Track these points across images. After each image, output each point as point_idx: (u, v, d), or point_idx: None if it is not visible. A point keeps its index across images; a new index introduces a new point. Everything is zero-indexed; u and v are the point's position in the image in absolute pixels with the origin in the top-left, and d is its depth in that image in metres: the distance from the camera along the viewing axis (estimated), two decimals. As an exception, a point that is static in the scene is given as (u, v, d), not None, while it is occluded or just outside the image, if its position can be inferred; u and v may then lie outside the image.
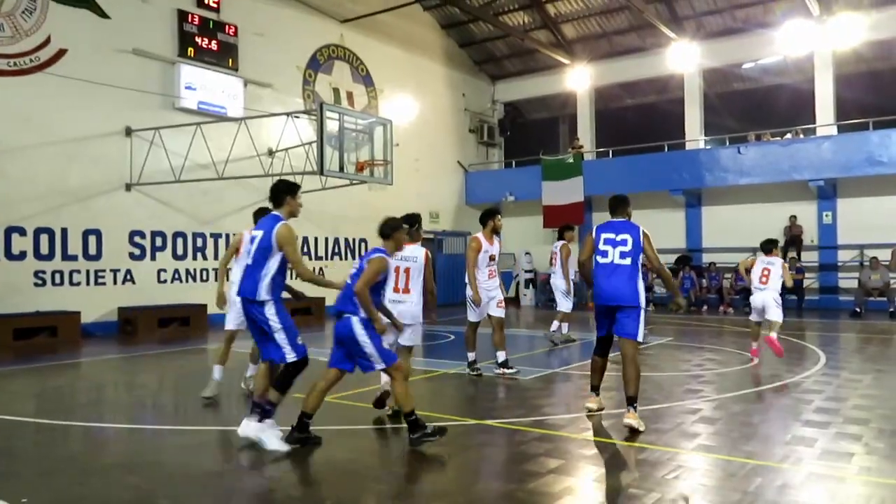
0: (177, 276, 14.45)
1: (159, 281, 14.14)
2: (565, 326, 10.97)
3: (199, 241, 14.93)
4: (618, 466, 4.68)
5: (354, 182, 14.67)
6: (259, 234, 5.16)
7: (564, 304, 10.83)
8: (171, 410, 7.18)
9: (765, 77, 20.02)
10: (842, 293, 17.25)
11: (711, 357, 9.55)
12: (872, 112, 16.96)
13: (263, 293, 5.05)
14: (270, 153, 15.43)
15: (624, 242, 5.77)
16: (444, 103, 22.28)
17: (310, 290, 6.57)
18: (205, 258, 14.99)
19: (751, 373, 8.31)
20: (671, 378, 7.99)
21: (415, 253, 6.37)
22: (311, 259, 17.43)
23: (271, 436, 4.95)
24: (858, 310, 15.34)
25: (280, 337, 5.04)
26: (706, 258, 18.86)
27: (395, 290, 6.27)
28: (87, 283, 13.04)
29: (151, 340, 12.22)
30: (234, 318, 6.89)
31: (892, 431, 5.46)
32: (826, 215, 17.78)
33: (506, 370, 8.11)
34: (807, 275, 17.21)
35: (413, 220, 6.49)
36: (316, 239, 17.62)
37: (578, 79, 22.08)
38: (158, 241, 14.19)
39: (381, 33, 19.44)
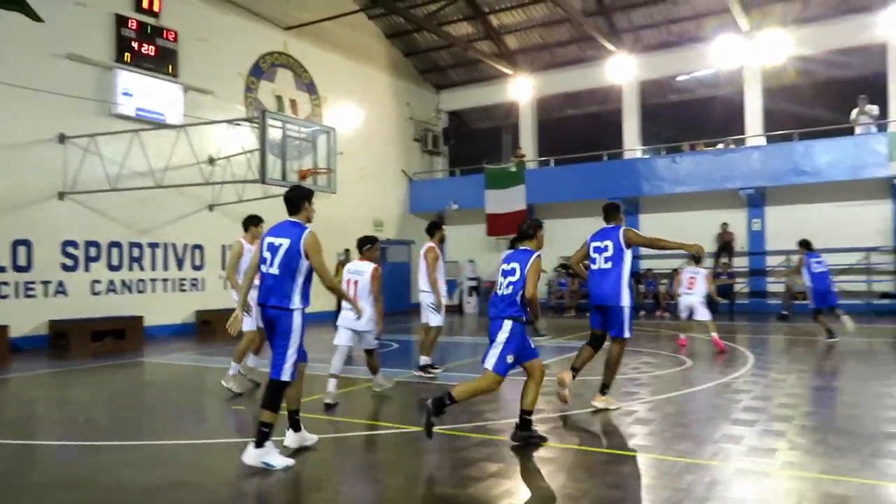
0: (112, 287, 14.04)
1: (93, 293, 13.71)
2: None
3: (136, 252, 14.54)
4: (556, 469, 4.80)
5: (297, 190, 14.54)
6: (284, 242, 5.03)
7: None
8: (105, 426, 6.99)
9: (698, 89, 20.79)
10: (770, 297, 17.99)
11: (647, 360, 9.85)
12: (798, 124, 17.83)
13: (296, 302, 4.97)
14: (211, 161, 15.19)
15: (606, 248, 6.51)
16: (388, 112, 22.33)
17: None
18: (142, 269, 14.61)
19: (684, 375, 8.61)
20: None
21: (361, 268, 7.25)
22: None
23: (275, 456, 4.84)
24: (785, 312, 16.02)
25: (290, 352, 4.93)
26: (643, 265, 19.41)
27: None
28: (16, 296, 12.54)
29: (84, 354, 11.83)
30: (250, 320, 7.57)
31: (814, 428, 5.76)
32: (755, 222, 18.55)
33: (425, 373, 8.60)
34: (737, 279, 17.90)
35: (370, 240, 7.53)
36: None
37: (521, 89, 22.48)
38: (93, 252, 13.77)
39: (325, 41, 19.38)
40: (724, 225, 18.43)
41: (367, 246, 7.39)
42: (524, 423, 5.37)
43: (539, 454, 5.13)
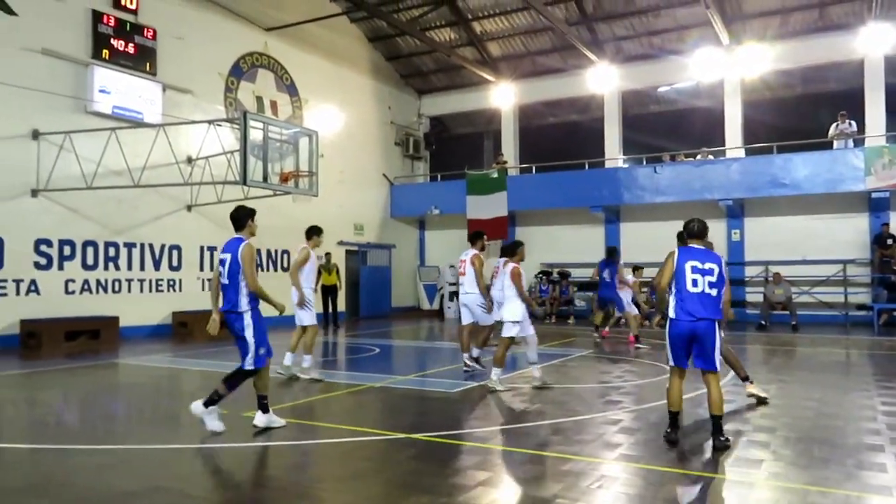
0: (86, 286, 13.75)
1: (67, 292, 13.41)
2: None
3: (112, 251, 14.27)
4: (544, 477, 4.73)
5: (278, 193, 14.40)
6: (228, 256, 5.91)
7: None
8: (78, 429, 6.79)
9: (679, 100, 20.99)
10: (749, 307, 18.17)
11: (630, 369, 9.85)
12: (777, 137, 18.05)
13: (243, 305, 5.85)
14: (190, 161, 14.96)
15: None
16: (369, 115, 22.23)
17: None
18: (117, 268, 14.33)
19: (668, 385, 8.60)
20: (592, 389, 8.19)
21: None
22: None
23: (214, 418, 5.86)
24: (764, 322, 16.18)
25: (247, 345, 5.83)
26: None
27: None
28: (-13, 295, 12.23)
29: (57, 354, 11.56)
30: (311, 314, 8.83)
31: (797, 439, 5.76)
32: (734, 233, 18.74)
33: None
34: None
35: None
36: (236, 250, 17.13)
37: (503, 96, 22.54)
38: (67, 250, 13.47)
39: (306, 43, 19.25)
40: (704, 235, 18.56)
41: (518, 248, 8.59)
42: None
43: (528, 463, 5.06)
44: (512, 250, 8.55)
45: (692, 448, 5.50)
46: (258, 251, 17.24)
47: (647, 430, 6.07)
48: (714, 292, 5.49)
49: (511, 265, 8.32)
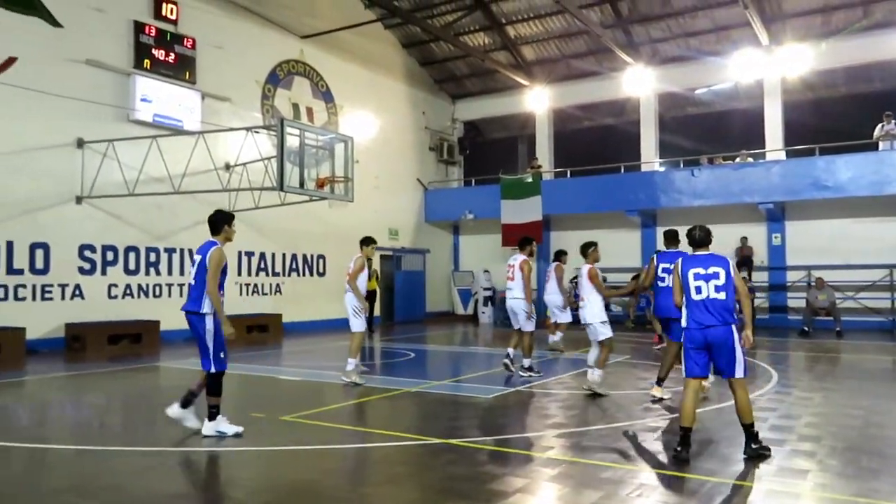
0: (128, 291, 14.06)
1: (110, 296, 13.73)
2: (558, 335, 12.44)
3: (153, 256, 14.56)
4: (582, 485, 4.68)
5: (314, 198, 14.54)
6: (198, 257, 5.95)
7: (563, 317, 12.34)
8: (122, 431, 6.94)
9: (717, 102, 20.65)
10: (790, 312, 17.75)
11: (669, 375, 9.67)
12: (819, 138, 17.62)
13: (206, 306, 5.86)
14: (228, 167, 15.21)
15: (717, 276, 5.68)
16: (404, 121, 22.34)
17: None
18: (158, 273, 14.63)
19: (706, 391, 8.44)
20: (629, 396, 8.07)
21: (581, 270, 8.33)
22: (267, 275, 17.18)
23: (224, 425, 5.97)
24: (806, 329, 15.80)
25: (213, 348, 5.87)
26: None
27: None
28: (33, 298, 12.57)
29: (101, 357, 11.82)
30: (361, 321, 9.06)
31: (844, 449, 5.60)
32: (775, 237, 18.33)
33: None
34: (757, 294, 17.67)
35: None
36: (273, 255, 17.39)
37: (537, 100, 22.44)
38: (110, 256, 13.80)
39: (341, 50, 19.43)
40: (744, 239, 18.22)
41: (590, 248, 8.37)
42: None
43: (565, 470, 5.01)
44: (585, 251, 8.46)
45: (733, 456, 5.38)
46: (271, 256, 17.54)
47: (687, 437, 5.94)
48: (722, 296, 5.39)
49: (587, 267, 8.22)
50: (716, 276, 5.46)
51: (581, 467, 5.10)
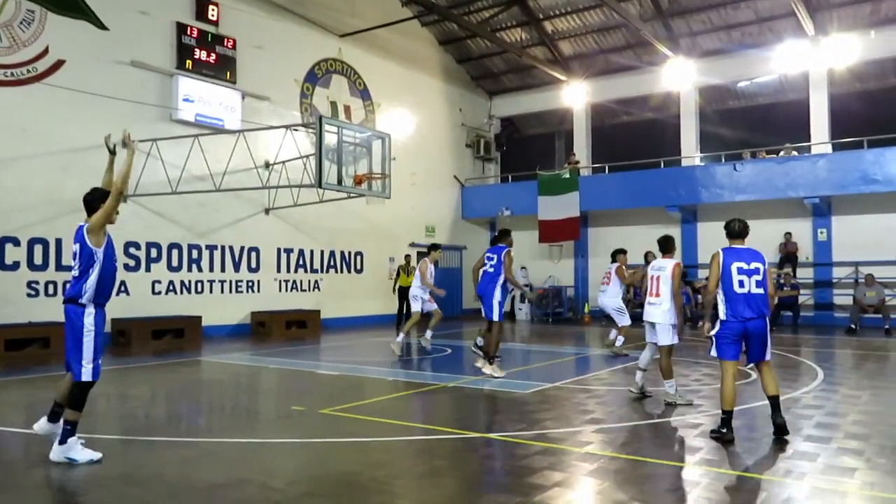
0: (171, 287, 14.37)
1: (153, 292, 14.05)
2: (620, 339, 11.77)
3: (195, 253, 14.86)
4: (621, 480, 4.63)
5: (352, 195, 14.65)
6: (76, 246, 5.35)
7: (623, 320, 11.79)
8: (166, 422, 7.10)
9: (760, 95, 20.21)
10: (837, 310, 17.29)
11: (708, 372, 9.51)
12: (867, 130, 17.10)
13: (86, 300, 5.19)
14: (267, 166, 15.43)
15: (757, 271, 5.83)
16: (441, 118, 22.37)
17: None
18: (200, 270, 14.92)
19: (749, 388, 8.27)
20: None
21: (663, 264, 7.49)
22: (306, 272, 17.38)
23: (78, 450, 4.99)
24: (854, 326, 15.37)
25: (87, 352, 5.06)
26: (702, 274, 18.87)
27: (650, 294, 7.47)
28: (82, 294, 12.92)
29: (145, 352, 12.11)
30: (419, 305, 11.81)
31: (894, 448, 5.43)
32: (821, 232, 17.86)
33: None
34: (802, 291, 17.26)
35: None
36: (312, 252, 17.58)
37: (575, 95, 22.25)
38: (153, 253, 14.12)
39: (378, 48, 19.53)
40: (788, 235, 17.80)
41: (669, 243, 7.99)
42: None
43: (604, 465, 4.96)
44: (666, 247, 7.67)
45: (776, 452, 5.27)
46: (309, 252, 17.81)
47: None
48: (761, 291, 5.65)
49: (673, 262, 7.39)
50: (756, 271, 5.68)
51: (620, 462, 5.05)
